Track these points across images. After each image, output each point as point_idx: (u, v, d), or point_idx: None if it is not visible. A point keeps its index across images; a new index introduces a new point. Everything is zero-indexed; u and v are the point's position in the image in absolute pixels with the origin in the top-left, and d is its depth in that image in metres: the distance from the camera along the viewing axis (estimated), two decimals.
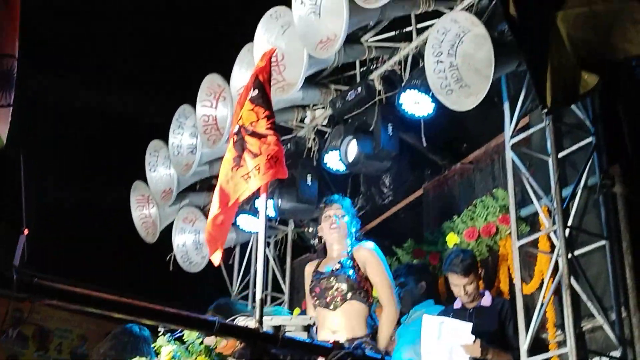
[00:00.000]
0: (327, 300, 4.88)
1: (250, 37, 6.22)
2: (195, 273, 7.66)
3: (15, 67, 3.24)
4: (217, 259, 3.86)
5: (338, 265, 4.95)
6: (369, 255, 4.99)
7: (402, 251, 6.55)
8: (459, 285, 5.17)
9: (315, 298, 4.95)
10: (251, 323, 3.39)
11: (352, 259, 4.96)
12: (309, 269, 5.19)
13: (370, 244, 5.12)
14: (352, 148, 6.22)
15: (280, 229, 8.16)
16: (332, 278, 4.92)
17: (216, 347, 3.56)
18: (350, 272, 4.89)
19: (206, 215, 7.37)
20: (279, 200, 6.95)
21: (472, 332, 4.93)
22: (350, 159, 6.25)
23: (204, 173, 7.43)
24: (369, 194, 7.88)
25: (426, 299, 5.80)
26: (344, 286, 4.86)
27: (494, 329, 5.05)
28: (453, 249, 5.49)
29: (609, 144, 5.11)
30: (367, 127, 6.16)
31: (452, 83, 5.27)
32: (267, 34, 6.08)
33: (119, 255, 9.12)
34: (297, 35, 5.82)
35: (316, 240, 5.39)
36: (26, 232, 2.93)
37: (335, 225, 5.03)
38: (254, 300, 7.23)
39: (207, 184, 7.71)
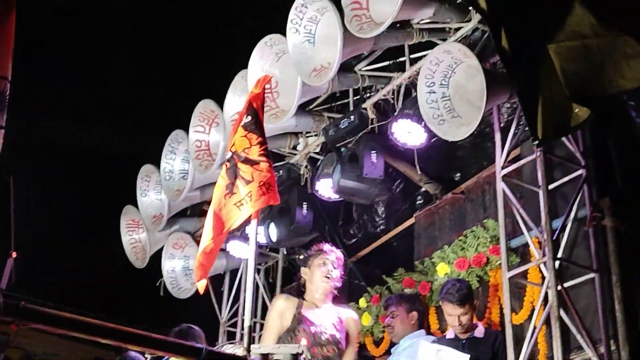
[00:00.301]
0: (314, 354, 4.57)
1: (244, 64, 6.25)
2: (184, 299, 7.61)
3: (7, 90, 3.24)
4: (202, 286, 3.84)
5: (334, 329, 4.70)
6: (355, 328, 4.87)
7: (393, 280, 6.54)
8: (454, 315, 5.14)
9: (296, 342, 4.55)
10: (239, 351, 3.36)
11: (340, 321, 4.76)
12: (288, 304, 4.76)
13: (355, 314, 5.05)
14: (339, 176, 6.27)
15: (271, 256, 8.13)
16: (328, 338, 4.64)
17: None
18: (342, 337, 4.70)
19: (196, 241, 7.35)
20: (274, 228, 6.96)
21: None
22: (339, 185, 6.28)
23: (195, 199, 7.42)
24: (361, 222, 7.90)
25: (417, 329, 5.76)
26: (336, 350, 4.62)
27: None
28: (450, 279, 5.47)
29: (599, 177, 5.14)
30: (353, 155, 6.23)
31: (445, 113, 5.31)
32: (261, 61, 6.12)
33: (108, 280, 9.07)
34: (291, 63, 5.86)
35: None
36: (14, 255, 2.91)
37: (331, 276, 4.79)
38: (242, 328, 7.19)
39: (198, 210, 7.70)
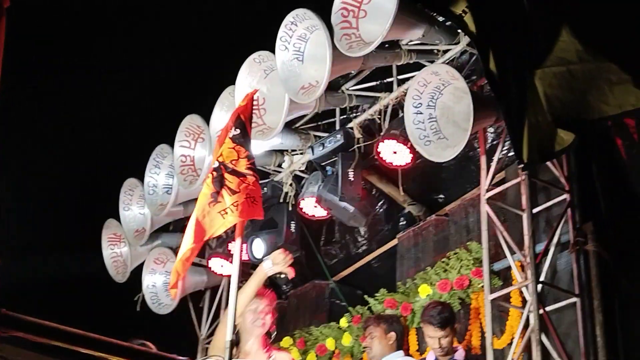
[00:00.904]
0: None
1: (231, 80, 6.25)
2: (163, 315, 7.54)
3: None
4: (174, 292, 3.83)
5: None
6: None
7: (374, 300, 6.51)
8: (434, 337, 5.10)
9: None
10: None
11: None
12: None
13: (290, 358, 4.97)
14: (318, 189, 6.32)
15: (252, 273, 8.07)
16: None
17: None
18: None
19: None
20: (259, 244, 6.93)
21: None
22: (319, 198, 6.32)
23: (179, 214, 7.37)
24: (343, 242, 7.88)
25: (396, 350, 5.73)
26: None
27: None
28: (432, 300, 5.43)
29: (582, 202, 5.18)
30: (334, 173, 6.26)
31: (431, 134, 5.33)
32: (249, 78, 6.12)
33: (87, 294, 8.97)
34: (279, 80, 5.86)
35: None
36: None
37: (263, 322, 4.62)
38: None
39: (180, 225, 7.63)
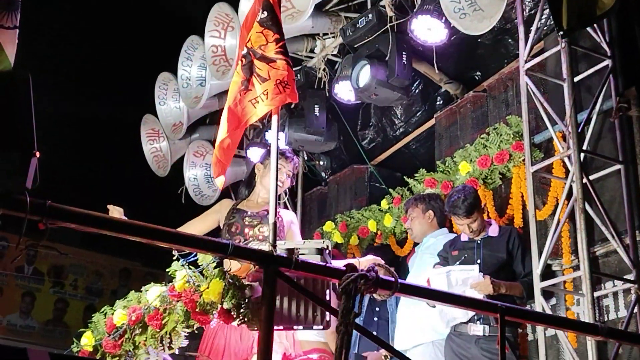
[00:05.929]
0: (246, 237, 4.63)
1: None
2: (206, 205, 7.67)
3: None
4: (220, 182, 3.81)
5: (265, 212, 4.68)
6: (295, 220, 4.95)
7: (414, 181, 6.50)
8: (464, 224, 5.10)
9: (232, 234, 4.67)
10: (265, 246, 3.37)
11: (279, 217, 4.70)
12: (227, 204, 4.92)
13: (293, 215, 5.11)
14: (365, 74, 6.14)
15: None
16: (256, 220, 4.69)
17: (230, 270, 3.56)
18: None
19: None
20: (288, 130, 6.92)
21: (481, 263, 4.92)
22: (362, 84, 6.17)
23: (213, 106, 7.38)
24: (380, 126, 7.83)
25: (438, 228, 5.75)
26: (266, 230, 4.57)
27: (502, 258, 5.00)
28: (453, 190, 5.36)
29: (625, 67, 5.02)
30: (380, 55, 6.07)
31: (466, 7, 5.18)
32: None
33: (130, 189, 9.14)
34: None
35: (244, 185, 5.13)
36: (38, 155, 2.89)
37: (282, 184, 4.79)
38: None
39: (216, 118, 7.66)
